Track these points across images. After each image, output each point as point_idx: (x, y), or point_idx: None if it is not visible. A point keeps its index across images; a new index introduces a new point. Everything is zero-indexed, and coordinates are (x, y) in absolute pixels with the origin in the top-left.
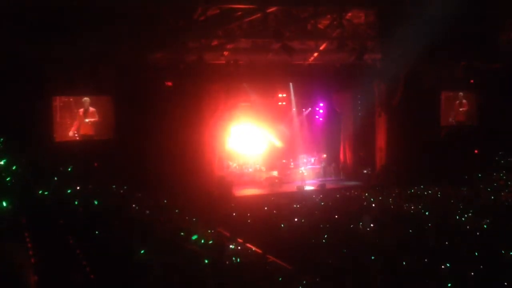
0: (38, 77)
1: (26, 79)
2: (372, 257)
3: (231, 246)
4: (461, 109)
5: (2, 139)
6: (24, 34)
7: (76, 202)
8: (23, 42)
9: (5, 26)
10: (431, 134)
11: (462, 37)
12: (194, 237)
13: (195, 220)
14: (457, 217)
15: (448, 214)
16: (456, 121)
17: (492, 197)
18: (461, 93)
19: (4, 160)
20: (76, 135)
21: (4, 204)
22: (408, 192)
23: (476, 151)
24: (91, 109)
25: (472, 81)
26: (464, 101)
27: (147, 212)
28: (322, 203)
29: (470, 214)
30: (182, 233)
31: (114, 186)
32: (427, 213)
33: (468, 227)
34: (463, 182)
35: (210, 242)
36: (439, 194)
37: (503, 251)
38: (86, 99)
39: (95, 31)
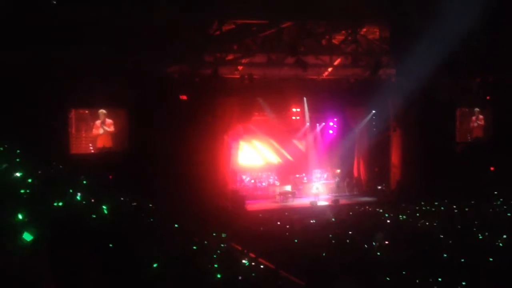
0: (55, 90)
1: (43, 92)
2: (386, 274)
3: (243, 261)
4: (477, 125)
5: (18, 151)
6: (42, 47)
7: (91, 215)
8: (40, 55)
9: (24, 39)
10: (446, 150)
11: (478, 52)
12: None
13: (208, 234)
14: (473, 234)
15: (464, 231)
16: (472, 137)
17: (509, 214)
18: (477, 109)
19: (21, 173)
20: (91, 147)
21: (20, 216)
22: (423, 208)
23: (492, 168)
24: (108, 120)
25: (488, 97)
26: (480, 117)
27: (160, 225)
28: (336, 219)
29: (486, 231)
30: (194, 247)
31: (127, 199)
32: (442, 230)
33: (484, 244)
34: (479, 198)
35: (223, 256)
36: (455, 211)
37: None
38: (102, 111)
39: (112, 45)
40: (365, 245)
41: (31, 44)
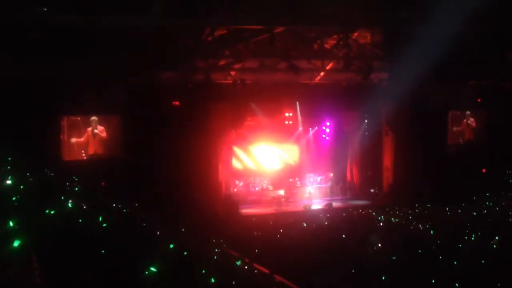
0: (47, 97)
1: (35, 98)
2: (380, 277)
3: (238, 266)
4: (468, 128)
5: (10, 158)
6: (35, 54)
7: (82, 221)
8: (33, 62)
9: (15, 46)
10: (438, 153)
11: (470, 56)
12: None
13: (202, 240)
14: (465, 237)
15: (456, 234)
16: (464, 140)
17: (500, 216)
18: (468, 112)
19: (12, 179)
20: (84, 154)
21: (11, 223)
22: (416, 211)
23: (483, 170)
24: (100, 127)
25: (479, 100)
26: (471, 120)
27: (154, 231)
28: (329, 223)
29: (478, 234)
30: (186, 253)
31: (120, 206)
32: (435, 232)
33: (477, 246)
34: (471, 201)
35: (217, 262)
36: (447, 213)
37: None
38: (94, 118)
39: (105, 51)
40: (359, 249)
41: (23, 52)
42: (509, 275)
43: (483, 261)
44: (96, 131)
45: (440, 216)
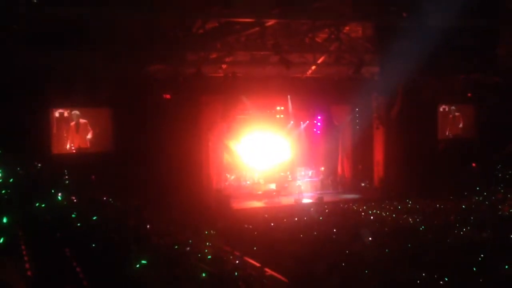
0: (36, 90)
1: (24, 91)
2: (370, 271)
3: (229, 260)
4: (459, 122)
5: None
6: (23, 46)
7: (73, 215)
8: (21, 54)
9: (4, 38)
10: (429, 147)
11: (460, 50)
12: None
13: (192, 234)
14: (456, 231)
15: (446, 228)
16: (454, 134)
17: (491, 211)
18: (459, 106)
19: (1, 173)
20: (72, 147)
21: (2, 217)
22: (406, 205)
23: (474, 164)
24: (82, 121)
25: (470, 94)
26: (462, 114)
27: (145, 225)
28: (320, 217)
29: (468, 228)
30: (177, 247)
31: (111, 199)
32: (425, 226)
33: (466, 240)
34: (461, 195)
35: (208, 255)
36: (437, 207)
37: (502, 265)
38: (75, 112)
39: (94, 44)
40: (349, 242)
41: (11, 44)
42: (498, 268)
43: (472, 255)
44: (79, 127)
45: (430, 210)
